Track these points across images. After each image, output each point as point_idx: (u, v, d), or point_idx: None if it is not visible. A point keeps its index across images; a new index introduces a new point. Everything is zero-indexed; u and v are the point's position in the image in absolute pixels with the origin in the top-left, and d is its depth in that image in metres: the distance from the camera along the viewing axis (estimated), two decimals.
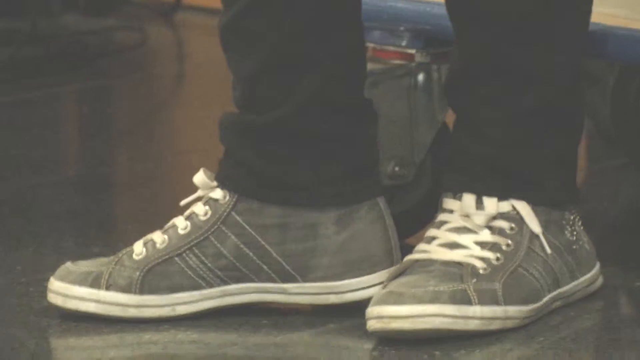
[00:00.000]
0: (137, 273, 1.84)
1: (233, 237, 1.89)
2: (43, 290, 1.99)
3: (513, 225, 1.87)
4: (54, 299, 1.84)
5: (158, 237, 1.89)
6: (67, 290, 1.88)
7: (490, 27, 1.97)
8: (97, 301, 1.84)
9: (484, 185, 1.87)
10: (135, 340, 1.84)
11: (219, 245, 1.90)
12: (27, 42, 4.10)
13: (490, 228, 1.85)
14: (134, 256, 1.88)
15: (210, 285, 1.88)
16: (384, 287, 1.78)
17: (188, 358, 1.80)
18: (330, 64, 1.90)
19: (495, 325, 1.75)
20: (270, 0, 1.82)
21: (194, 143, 3.33)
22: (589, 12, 2.05)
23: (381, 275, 1.86)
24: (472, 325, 1.72)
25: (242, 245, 1.88)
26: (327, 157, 1.91)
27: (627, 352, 1.86)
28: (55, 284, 1.88)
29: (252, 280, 1.87)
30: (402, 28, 2.30)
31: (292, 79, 1.91)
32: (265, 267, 1.89)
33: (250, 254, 1.86)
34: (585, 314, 2.00)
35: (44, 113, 3.98)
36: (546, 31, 1.99)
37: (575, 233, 1.92)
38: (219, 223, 1.90)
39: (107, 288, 1.83)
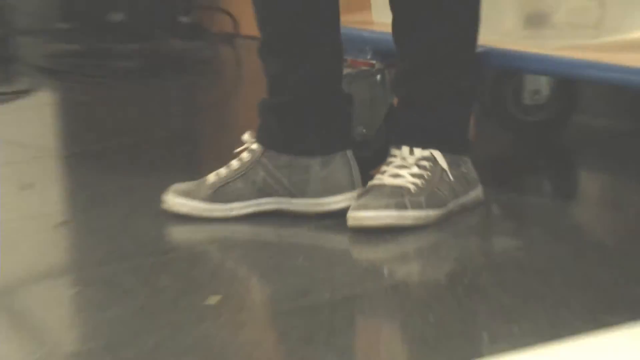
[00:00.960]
0: (210, 191, 2.87)
1: (261, 171, 2.92)
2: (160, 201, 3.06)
3: (431, 164, 2.70)
4: (165, 205, 2.90)
5: (222, 170, 2.93)
6: (172, 199, 2.92)
7: (416, 48, 3.04)
8: (190, 207, 2.88)
9: (413, 141, 2.76)
10: (209, 228, 2.92)
11: (254, 175, 2.90)
12: (150, 56, 5.80)
13: (417, 166, 2.69)
14: (208, 181, 2.90)
15: (250, 199, 2.90)
16: (357, 200, 2.73)
17: (239, 236, 2.87)
18: (324, 68, 2.96)
19: (421, 222, 2.65)
20: (285, 36, 2.84)
21: (245, 118, 4.43)
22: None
23: (346, 196, 2.86)
24: (409, 221, 2.59)
25: (267, 177, 2.91)
26: (319, 126, 2.92)
27: (493, 229, 3.04)
28: (167, 197, 2.93)
29: (273, 196, 2.87)
30: (367, 47, 3.36)
31: (298, 78, 2.94)
32: (280, 189, 2.93)
33: (272, 181, 2.89)
34: (469, 213, 2.91)
35: (165, 97, 5.29)
36: (451, 39, 2.96)
37: (467, 168, 2.82)
38: (254, 163, 2.90)
39: (194, 199, 2.88)
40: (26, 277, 2.70)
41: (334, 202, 2.86)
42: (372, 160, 3.06)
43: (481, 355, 2.05)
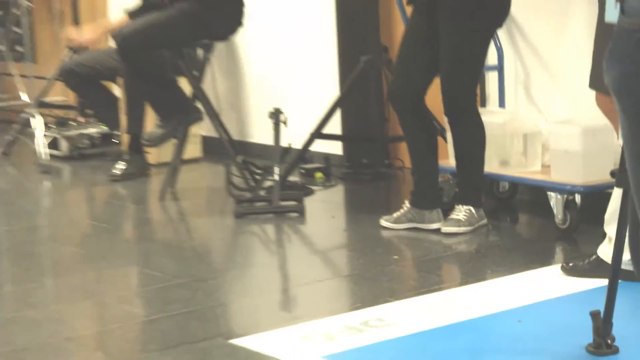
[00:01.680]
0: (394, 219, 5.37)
1: (409, 213, 5.45)
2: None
3: (469, 211, 5.12)
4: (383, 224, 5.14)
5: (400, 211, 5.42)
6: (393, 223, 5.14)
7: (458, 169, 5.60)
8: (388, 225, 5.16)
9: (462, 202, 5.16)
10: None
11: (407, 214, 5.36)
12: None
13: (464, 211, 5.13)
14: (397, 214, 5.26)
15: (406, 222, 5.48)
16: (444, 224, 5.20)
17: (404, 234, 5.21)
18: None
19: (467, 232, 5.13)
20: None
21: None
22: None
23: (439, 223, 5.31)
24: (462, 231, 5.11)
25: (412, 215, 5.38)
26: (434, 199, 5.39)
27: (489, 233, 5.38)
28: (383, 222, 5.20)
29: (412, 222, 5.41)
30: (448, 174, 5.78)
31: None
32: (415, 219, 5.47)
33: (412, 217, 5.48)
34: (481, 229, 5.27)
35: None
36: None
37: (480, 211, 5.17)
38: (407, 209, 5.40)
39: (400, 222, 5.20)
40: None
41: (435, 225, 5.28)
42: (447, 206, 5.33)
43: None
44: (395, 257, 4.92)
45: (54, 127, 7.83)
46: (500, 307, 3.97)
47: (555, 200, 5.05)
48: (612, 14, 2.82)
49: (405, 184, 6.08)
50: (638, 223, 1.93)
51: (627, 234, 3.16)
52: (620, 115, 1.80)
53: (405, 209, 5.31)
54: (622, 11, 1.76)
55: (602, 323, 3.25)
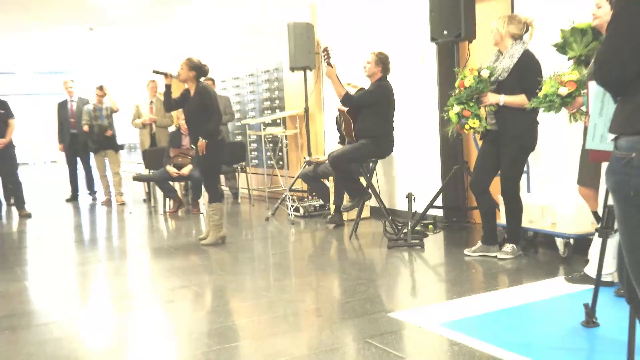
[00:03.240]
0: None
1: (477, 252, 5.24)
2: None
3: (512, 246, 4.91)
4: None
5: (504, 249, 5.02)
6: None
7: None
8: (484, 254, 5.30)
9: (508, 240, 5.00)
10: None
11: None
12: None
13: (510, 247, 4.96)
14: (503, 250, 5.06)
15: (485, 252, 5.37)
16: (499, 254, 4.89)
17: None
18: None
19: (509, 258, 4.97)
20: None
21: None
22: None
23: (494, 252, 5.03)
24: (508, 257, 4.95)
25: (483, 251, 5.34)
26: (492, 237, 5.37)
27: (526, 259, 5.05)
28: (466, 251, 5.18)
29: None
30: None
31: None
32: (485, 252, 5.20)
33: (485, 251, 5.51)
34: (522, 257, 5.04)
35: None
36: None
37: (518, 247, 4.92)
38: (481, 244, 5.17)
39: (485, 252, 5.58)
40: None
41: (494, 254, 4.99)
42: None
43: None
44: (473, 270, 4.76)
45: (296, 201, 7.77)
46: (531, 299, 3.92)
47: (559, 241, 4.92)
48: (590, 144, 2.75)
49: (477, 232, 5.76)
50: (623, 263, 1.78)
51: (604, 261, 3.29)
52: (615, 205, 1.70)
53: (478, 244, 5.14)
54: (615, 146, 1.67)
55: (590, 309, 3.33)
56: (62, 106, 9.46)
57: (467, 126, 4.60)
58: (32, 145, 20.69)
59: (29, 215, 8.47)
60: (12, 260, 5.78)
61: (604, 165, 3.47)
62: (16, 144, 8.37)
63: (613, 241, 3.28)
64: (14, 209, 8.60)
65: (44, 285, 4.83)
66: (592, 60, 3.47)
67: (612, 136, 1.66)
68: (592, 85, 2.62)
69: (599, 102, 2.45)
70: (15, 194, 8.45)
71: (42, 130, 20.18)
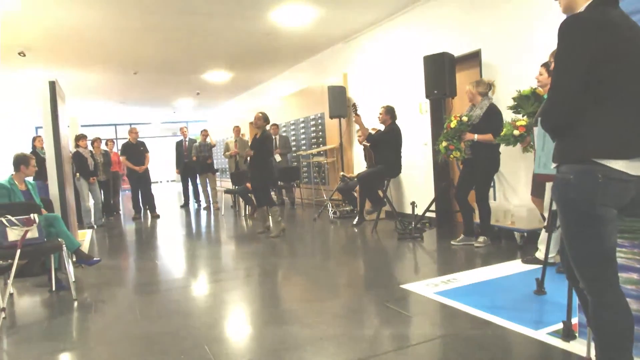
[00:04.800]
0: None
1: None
2: None
3: (484, 237, 4.62)
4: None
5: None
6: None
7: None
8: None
9: (482, 234, 4.62)
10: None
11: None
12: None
13: (482, 238, 4.65)
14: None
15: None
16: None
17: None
18: None
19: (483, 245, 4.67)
20: None
21: None
22: None
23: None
24: (482, 246, 4.65)
25: None
26: None
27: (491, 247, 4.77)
28: (452, 242, 4.70)
29: None
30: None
31: None
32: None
33: None
34: (490, 246, 4.76)
35: None
36: None
37: (488, 238, 4.60)
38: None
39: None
40: None
41: (473, 243, 4.75)
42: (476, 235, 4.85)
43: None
44: (457, 253, 4.53)
45: (334, 207, 7.50)
46: (497, 275, 3.77)
47: (517, 234, 4.72)
48: (536, 170, 2.68)
49: (459, 228, 5.43)
50: (564, 249, 1.64)
51: (550, 249, 3.18)
52: (558, 210, 1.58)
53: (461, 236, 4.91)
54: (558, 170, 1.57)
55: (540, 282, 3.22)
56: (179, 144, 9.46)
57: (452, 155, 4.51)
58: (160, 169, 21.33)
59: (158, 216, 8.51)
60: (147, 246, 5.77)
61: (548, 184, 3.46)
62: (150, 169, 8.49)
63: (555, 235, 3.35)
64: (148, 212, 8.60)
65: (167, 263, 4.80)
66: (538, 112, 3.34)
67: (554, 164, 1.58)
68: (536, 130, 2.67)
69: (541, 141, 2.47)
70: (149, 202, 8.51)
71: (166, 160, 20.81)
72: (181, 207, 9.99)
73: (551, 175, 1.88)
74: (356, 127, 6.28)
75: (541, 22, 4.34)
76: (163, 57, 7.73)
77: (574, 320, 2.32)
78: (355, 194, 6.83)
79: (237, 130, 9.22)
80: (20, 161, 3.97)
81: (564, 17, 1.53)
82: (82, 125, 13.50)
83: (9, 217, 3.25)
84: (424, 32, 5.98)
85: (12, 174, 3.96)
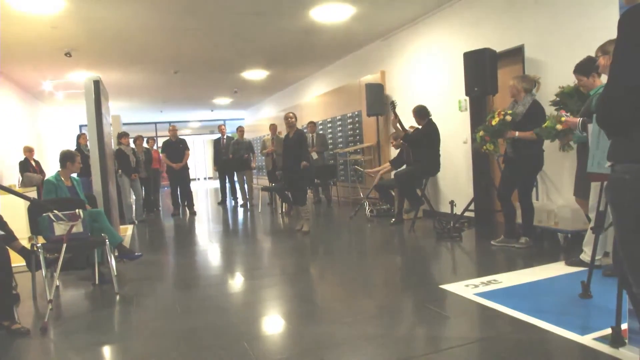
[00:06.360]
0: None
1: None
2: None
3: (526, 238, 4.47)
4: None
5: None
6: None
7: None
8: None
9: (523, 234, 4.45)
10: None
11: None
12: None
13: (524, 239, 4.49)
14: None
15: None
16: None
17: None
18: None
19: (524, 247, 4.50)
20: None
21: None
22: None
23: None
24: (523, 247, 4.45)
25: None
26: None
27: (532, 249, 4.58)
28: (492, 242, 4.46)
29: None
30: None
31: None
32: None
33: None
34: (533, 247, 4.58)
35: None
36: None
37: (530, 239, 4.40)
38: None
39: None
40: None
41: (513, 244, 4.56)
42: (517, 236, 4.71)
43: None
44: (497, 253, 4.44)
45: (370, 205, 7.38)
46: (540, 277, 3.68)
47: (560, 236, 4.63)
48: (590, 168, 2.57)
49: (500, 228, 5.30)
50: (618, 255, 1.55)
51: (596, 250, 3.05)
52: (612, 212, 1.53)
53: (501, 237, 4.79)
54: (613, 170, 1.51)
55: (585, 285, 3.13)
56: (217, 142, 9.51)
57: (484, 147, 4.39)
58: (199, 167, 21.65)
59: (195, 213, 8.57)
60: (186, 243, 5.80)
61: (594, 184, 3.34)
62: (190, 167, 8.60)
63: (601, 236, 3.15)
64: (186, 208, 8.65)
65: (205, 259, 4.82)
66: (583, 108, 3.42)
67: (609, 163, 1.51)
68: (591, 127, 2.53)
69: (596, 139, 2.36)
70: (188, 198, 8.56)
71: (204, 157, 21.20)
72: (218, 204, 10.06)
73: (605, 175, 1.79)
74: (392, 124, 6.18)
75: (586, 18, 4.28)
76: (203, 56, 7.81)
77: (624, 326, 2.22)
78: (393, 193, 6.83)
79: (273, 128, 9.21)
80: (66, 158, 4.09)
81: (608, 10, 1.48)
82: (123, 124, 13.98)
83: (56, 212, 3.32)
84: (465, 27, 5.90)
85: (59, 170, 4.10)
